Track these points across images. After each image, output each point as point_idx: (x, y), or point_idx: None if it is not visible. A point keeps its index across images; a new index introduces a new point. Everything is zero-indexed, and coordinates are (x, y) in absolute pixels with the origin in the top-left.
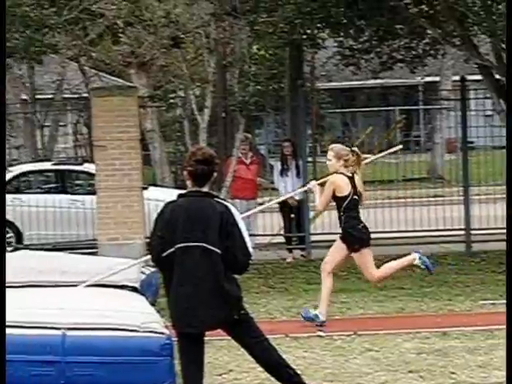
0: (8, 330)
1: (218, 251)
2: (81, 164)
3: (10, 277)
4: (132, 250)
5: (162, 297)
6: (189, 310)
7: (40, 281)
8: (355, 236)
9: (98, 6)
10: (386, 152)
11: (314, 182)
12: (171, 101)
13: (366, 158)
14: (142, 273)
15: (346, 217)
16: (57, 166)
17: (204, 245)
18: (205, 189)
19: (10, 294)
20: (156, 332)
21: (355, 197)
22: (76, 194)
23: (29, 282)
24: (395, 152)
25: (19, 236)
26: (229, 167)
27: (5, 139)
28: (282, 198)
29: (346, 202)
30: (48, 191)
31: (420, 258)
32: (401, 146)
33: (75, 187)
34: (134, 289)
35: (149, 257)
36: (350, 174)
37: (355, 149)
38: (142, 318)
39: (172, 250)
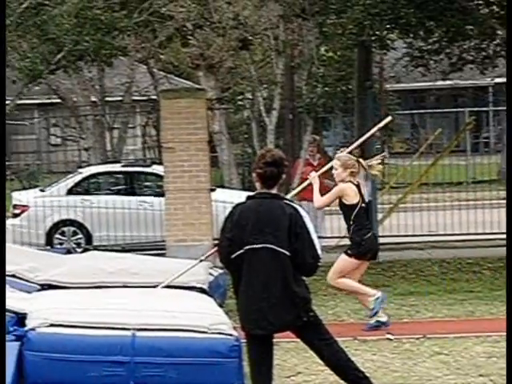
0: (80, 331)
1: (287, 253)
2: (149, 166)
3: (80, 277)
4: (200, 252)
5: (230, 298)
6: (258, 311)
7: (109, 282)
8: (364, 246)
9: (168, 9)
10: (375, 128)
11: (314, 174)
12: (239, 103)
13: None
14: (211, 274)
15: (356, 225)
16: (126, 168)
17: (273, 246)
18: (273, 191)
19: (80, 294)
20: (225, 333)
21: (363, 205)
22: (144, 195)
23: (98, 282)
24: (386, 125)
25: (89, 237)
26: (296, 169)
27: (5, 139)
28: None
29: (356, 211)
30: (117, 193)
31: (377, 300)
32: (390, 118)
33: (144, 189)
34: (202, 290)
35: (210, 253)
36: (357, 183)
37: (361, 160)
38: (210, 320)
39: (241, 251)
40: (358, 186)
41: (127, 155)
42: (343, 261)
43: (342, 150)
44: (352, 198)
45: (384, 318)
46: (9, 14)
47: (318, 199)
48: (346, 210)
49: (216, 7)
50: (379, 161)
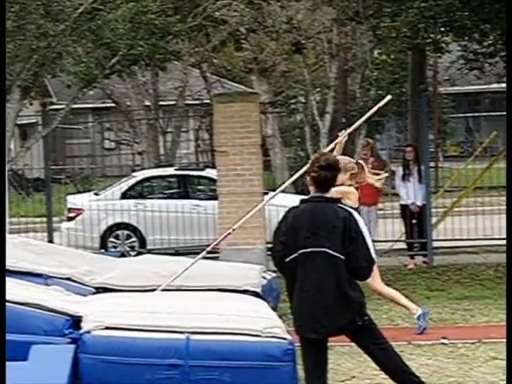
0: (134, 334)
1: (341, 257)
2: (202, 169)
3: (134, 281)
4: (253, 256)
5: (283, 302)
6: (312, 315)
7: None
8: None
9: (222, 13)
10: (375, 108)
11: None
12: (292, 106)
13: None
14: (264, 278)
15: None
16: (179, 172)
17: (327, 250)
18: (327, 194)
19: (134, 297)
20: (278, 337)
21: (360, 209)
22: (198, 199)
23: (152, 285)
24: (386, 105)
25: (142, 241)
26: None
27: (5, 140)
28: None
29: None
30: (170, 196)
31: (422, 316)
32: (389, 97)
33: (197, 192)
34: (255, 294)
35: (203, 254)
36: (356, 186)
37: (361, 161)
38: (264, 323)
39: (295, 255)
40: (357, 189)
41: (180, 159)
42: None
43: (342, 132)
44: (353, 202)
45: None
46: (64, 19)
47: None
48: None
49: (269, 11)
50: (382, 179)
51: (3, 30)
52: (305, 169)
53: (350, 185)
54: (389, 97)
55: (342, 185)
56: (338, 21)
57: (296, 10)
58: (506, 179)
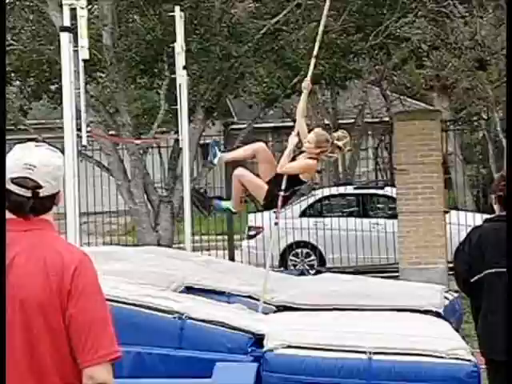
0: (316, 353)
1: None
2: (382, 188)
3: (314, 299)
4: (434, 275)
5: (466, 323)
6: (499, 337)
7: (344, 304)
8: None
9: (404, 31)
10: None
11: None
12: (475, 123)
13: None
14: (446, 298)
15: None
16: (358, 190)
17: None
18: None
19: (315, 316)
20: (463, 359)
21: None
22: (377, 217)
23: (333, 304)
24: None
25: (322, 259)
26: None
27: (5, 140)
28: None
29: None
30: (349, 215)
31: None
32: None
33: (376, 211)
34: (437, 314)
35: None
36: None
37: (336, 142)
38: (447, 344)
39: (480, 275)
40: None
41: (359, 177)
42: None
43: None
44: (309, 176)
45: None
46: (247, 41)
47: (283, 164)
48: (294, 183)
49: (452, 28)
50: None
51: (3, 29)
52: None
53: (316, 159)
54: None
55: (310, 158)
56: None
57: (480, 26)
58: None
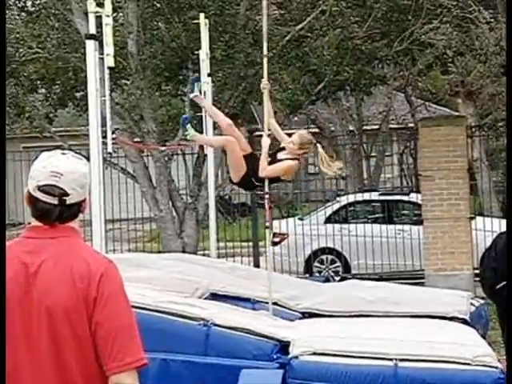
0: (342, 360)
1: None
2: (407, 194)
3: (340, 306)
4: (460, 282)
5: (492, 329)
6: None
7: (370, 310)
8: None
9: (429, 37)
10: None
11: (267, 139)
12: (500, 129)
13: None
14: (472, 304)
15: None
16: (383, 197)
17: None
18: None
19: (341, 323)
20: (489, 366)
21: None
22: (402, 223)
23: (359, 311)
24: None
25: (347, 265)
26: None
27: (5, 140)
28: None
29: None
30: (374, 221)
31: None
32: None
33: (401, 217)
34: (463, 321)
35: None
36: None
37: (318, 146)
38: (474, 351)
39: (507, 281)
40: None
41: (384, 183)
42: None
43: None
44: (290, 176)
45: None
46: (272, 47)
47: (265, 167)
48: (273, 181)
49: (477, 34)
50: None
51: (3, 29)
52: None
53: (297, 160)
54: None
55: (291, 159)
56: None
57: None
58: (506, 183)
